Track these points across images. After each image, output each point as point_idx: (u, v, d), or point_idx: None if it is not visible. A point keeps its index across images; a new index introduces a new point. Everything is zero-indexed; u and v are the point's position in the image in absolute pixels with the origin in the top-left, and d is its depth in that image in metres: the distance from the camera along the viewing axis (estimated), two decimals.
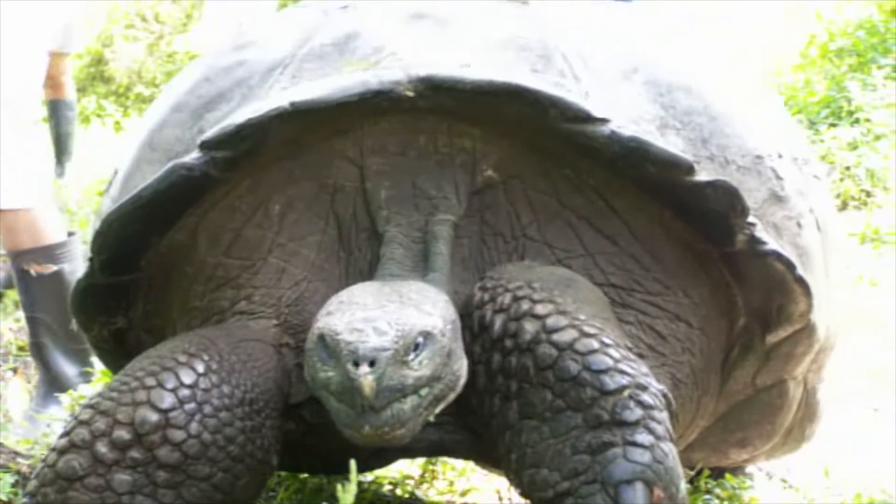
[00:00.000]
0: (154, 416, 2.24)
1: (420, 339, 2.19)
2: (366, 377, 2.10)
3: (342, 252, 2.59)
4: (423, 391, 2.20)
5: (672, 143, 2.49)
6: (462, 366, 2.34)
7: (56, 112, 9.65)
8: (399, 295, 2.28)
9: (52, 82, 9.67)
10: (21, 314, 4.92)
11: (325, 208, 2.59)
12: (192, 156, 2.48)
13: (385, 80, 2.43)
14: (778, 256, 2.53)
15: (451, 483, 3.57)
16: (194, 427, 2.27)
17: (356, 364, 2.11)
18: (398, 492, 3.46)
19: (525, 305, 2.32)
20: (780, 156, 2.67)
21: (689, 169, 2.44)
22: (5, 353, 4.44)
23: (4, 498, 2.88)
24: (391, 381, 2.13)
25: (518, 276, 2.42)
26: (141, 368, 2.33)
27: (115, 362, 2.85)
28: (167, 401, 2.26)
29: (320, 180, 2.59)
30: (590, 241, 2.57)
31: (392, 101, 2.44)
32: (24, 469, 3.07)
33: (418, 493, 3.48)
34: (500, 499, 3.29)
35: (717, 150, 2.56)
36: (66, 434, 2.27)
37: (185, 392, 2.28)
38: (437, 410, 2.29)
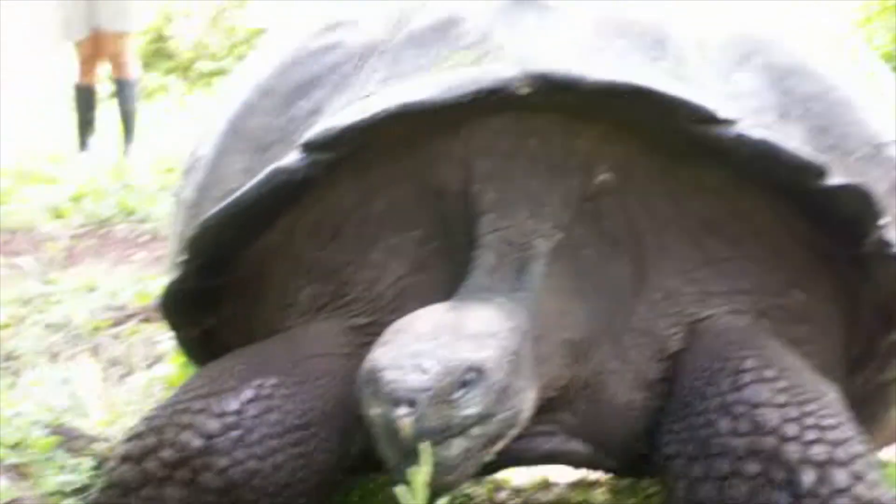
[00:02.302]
0: (197, 441, 2.22)
1: (469, 376, 2.04)
2: (403, 419, 1.97)
3: (446, 250, 2.46)
4: (474, 431, 2.06)
5: (792, 135, 2.36)
6: (524, 398, 2.18)
7: (121, 91, 9.79)
8: (459, 322, 2.14)
9: (115, 61, 9.80)
10: (94, 296, 4.98)
11: (429, 207, 2.46)
12: (293, 157, 2.35)
13: (499, 78, 2.27)
14: None
15: None
16: (239, 454, 2.24)
17: (395, 404, 1.98)
18: None
19: (843, 477, 2.09)
20: None
21: (821, 172, 2.31)
22: (78, 334, 4.48)
23: (87, 481, 2.91)
24: (432, 423, 1.99)
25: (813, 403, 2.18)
26: (192, 389, 2.32)
27: (201, 361, 2.77)
28: (211, 426, 2.24)
29: (425, 179, 2.46)
30: (711, 246, 2.45)
31: (505, 99, 2.28)
32: (103, 450, 3.10)
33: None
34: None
35: (837, 139, 2.41)
36: (126, 441, 2.29)
37: (230, 419, 2.25)
38: (497, 448, 2.15)
